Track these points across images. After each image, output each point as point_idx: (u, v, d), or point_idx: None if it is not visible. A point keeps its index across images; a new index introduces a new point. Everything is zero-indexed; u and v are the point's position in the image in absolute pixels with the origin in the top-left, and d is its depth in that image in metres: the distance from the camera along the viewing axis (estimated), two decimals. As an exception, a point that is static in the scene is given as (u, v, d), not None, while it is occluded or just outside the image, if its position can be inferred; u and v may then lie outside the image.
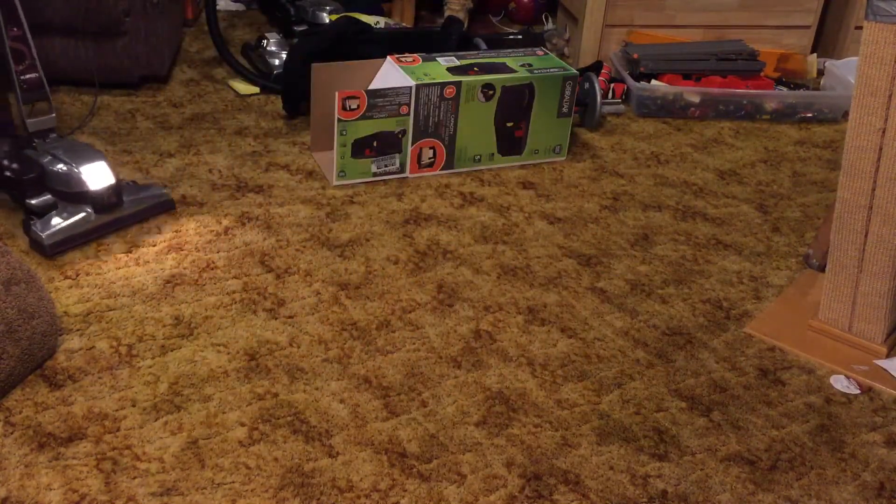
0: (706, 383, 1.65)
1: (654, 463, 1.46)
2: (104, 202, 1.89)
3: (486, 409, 1.54)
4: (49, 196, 1.88)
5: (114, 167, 1.94)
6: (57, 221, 1.85)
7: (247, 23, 3.32)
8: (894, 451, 1.52)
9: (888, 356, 1.75)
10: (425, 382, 1.59)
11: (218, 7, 3.05)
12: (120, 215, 1.94)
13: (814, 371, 1.71)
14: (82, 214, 1.88)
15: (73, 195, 1.88)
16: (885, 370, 1.71)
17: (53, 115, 1.97)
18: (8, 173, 1.88)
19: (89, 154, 1.92)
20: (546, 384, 1.62)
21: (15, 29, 1.87)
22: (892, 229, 1.65)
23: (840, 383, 1.68)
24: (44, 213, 1.86)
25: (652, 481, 1.42)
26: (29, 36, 1.89)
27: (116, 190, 1.91)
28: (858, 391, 1.66)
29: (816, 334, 1.81)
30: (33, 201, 1.87)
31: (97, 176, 1.89)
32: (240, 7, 3.47)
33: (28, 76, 1.91)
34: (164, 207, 2.03)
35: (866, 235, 1.69)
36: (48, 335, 1.54)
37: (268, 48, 2.80)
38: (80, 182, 1.87)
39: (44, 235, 1.83)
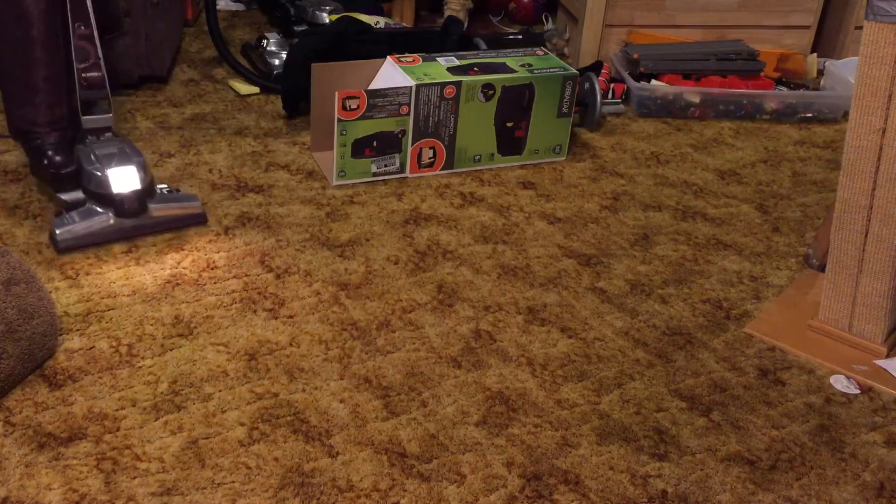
0: (706, 383, 1.65)
1: (654, 463, 1.46)
2: (126, 207, 1.87)
3: (486, 409, 1.54)
4: (80, 193, 1.90)
5: (146, 172, 1.93)
6: (75, 220, 1.86)
7: (247, 23, 3.32)
8: (894, 451, 1.52)
9: (888, 356, 1.75)
10: (425, 382, 1.59)
11: (218, 7, 3.05)
12: (142, 223, 1.91)
13: (814, 371, 1.71)
14: (102, 217, 1.87)
15: (99, 196, 1.88)
16: (885, 370, 1.71)
17: (110, 114, 1.97)
18: (48, 164, 1.90)
19: (124, 157, 1.91)
20: (546, 384, 1.62)
21: (83, 27, 1.87)
22: (892, 229, 1.65)
23: (840, 383, 1.68)
24: (70, 209, 1.88)
25: (652, 481, 1.42)
26: (96, 35, 1.89)
27: (140, 196, 1.89)
28: (858, 391, 1.66)
29: (816, 334, 1.81)
30: (63, 196, 1.89)
31: (123, 180, 1.88)
32: (240, 7, 3.47)
33: (90, 74, 1.91)
34: (194, 221, 1.98)
35: (866, 235, 1.69)
36: (48, 335, 1.54)
37: (268, 48, 2.80)
38: (105, 184, 1.87)
39: (58, 232, 1.84)
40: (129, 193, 1.88)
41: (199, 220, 1.99)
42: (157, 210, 1.93)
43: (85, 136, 1.95)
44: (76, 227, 1.86)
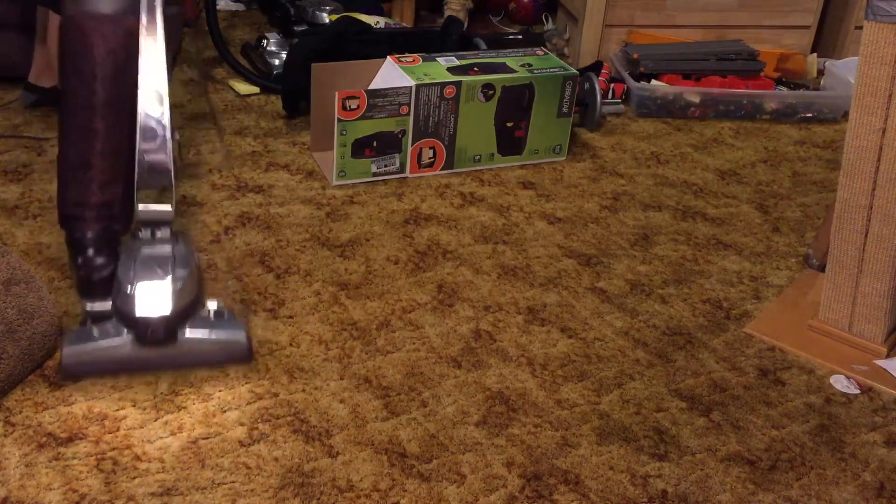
0: (706, 383, 1.65)
1: (654, 463, 1.46)
2: (147, 335, 1.50)
3: (486, 409, 1.54)
4: (109, 305, 1.56)
5: (188, 291, 1.54)
6: (88, 339, 1.52)
7: (247, 23, 3.32)
8: (894, 451, 1.52)
9: (888, 356, 1.75)
10: (425, 382, 1.59)
11: (218, 7, 3.05)
12: (168, 353, 1.53)
13: (814, 371, 1.71)
14: (119, 341, 1.51)
15: (122, 315, 1.52)
16: (885, 370, 1.71)
17: (170, 207, 1.59)
18: (81, 263, 1.64)
19: (164, 268, 1.53)
20: (546, 384, 1.62)
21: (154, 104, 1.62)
22: (892, 229, 1.65)
23: (840, 383, 1.68)
24: (96, 321, 1.55)
25: (652, 481, 1.42)
26: (168, 114, 1.59)
27: (170, 324, 1.50)
28: (858, 391, 1.66)
29: (816, 334, 1.81)
30: (88, 306, 1.62)
31: (150, 300, 1.50)
32: (240, 7, 3.47)
33: (154, 157, 1.58)
34: (235, 358, 1.59)
35: (866, 235, 1.69)
36: (48, 335, 1.54)
37: (268, 48, 2.80)
38: (129, 302, 1.50)
39: (64, 352, 1.51)
40: (153, 319, 1.50)
41: (240, 358, 1.58)
42: (190, 340, 1.54)
43: (138, 229, 1.61)
44: (86, 349, 1.51)
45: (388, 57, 2.33)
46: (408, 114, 2.21)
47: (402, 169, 2.29)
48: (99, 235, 1.66)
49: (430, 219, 2.12)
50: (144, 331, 1.50)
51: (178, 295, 1.51)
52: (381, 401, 1.54)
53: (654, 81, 2.82)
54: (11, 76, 2.52)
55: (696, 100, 2.78)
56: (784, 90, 2.88)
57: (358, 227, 2.05)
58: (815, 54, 3.15)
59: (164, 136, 1.58)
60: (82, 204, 1.66)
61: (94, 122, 1.62)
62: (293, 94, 2.49)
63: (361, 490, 1.36)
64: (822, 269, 1.97)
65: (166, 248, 1.58)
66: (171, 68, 2.80)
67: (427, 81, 2.21)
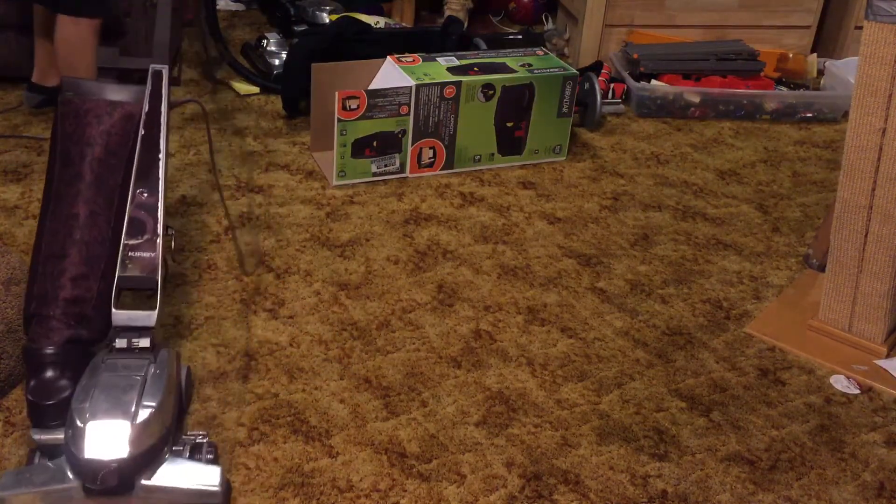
0: (706, 383, 1.65)
1: (654, 463, 1.46)
2: (96, 482, 1.22)
3: (486, 409, 1.54)
4: (61, 436, 1.28)
5: (154, 426, 1.25)
6: (24, 482, 1.26)
7: (247, 23, 3.32)
8: (894, 451, 1.52)
9: (888, 356, 1.75)
10: (425, 382, 1.59)
11: (218, 7, 3.05)
12: None
13: (814, 371, 1.71)
14: (62, 486, 1.24)
15: (69, 454, 1.25)
16: (885, 370, 1.71)
17: (153, 313, 1.35)
18: (35, 385, 1.36)
19: (130, 398, 1.25)
20: (546, 384, 1.62)
21: (146, 194, 1.40)
22: (892, 229, 1.65)
23: (840, 383, 1.68)
24: (45, 454, 1.32)
25: (652, 481, 1.42)
26: (161, 208, 1.39)
27: (125, 470, 1.23)
28: (858, 391, 1.66)
29: (816, 334, 1.81)
30: (36, 436, 1.33)
31: (103, 442, 1.22)
32: (240, 7, 3.47)
33: (140, 254, 1.36)
34: (205, 499, 1.30)
35: (866, 235, 1.69)
36: (48, 335, 1.53)
37: (268, 48, 2.80)
38: (78, 440, 1.23)
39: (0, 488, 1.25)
40: (102, 463, 1.21)
41: (211, 498, 1.30)
42: (149, 488, 1.26)
43: (113, 338, 1.35)
44: (21, 495, 1.25)
45: (388, 57, 2.33)
46: (408, 114, 2.21)
47: (402, 169, 2.29)
48: (61, 349, 1.39)
49: (430, 219, 2.12)
50: (93, 477, 1.22)
51: (139, 434, 1.24)
52: (381, 401, 1.54)
53: (654, 81, 2.82)
54: (12, 76, 2.52)
55: (696, 100, 2.78)
56: (784, 90, 2.88)
57: (358, 227, 2.05)
58: (815, 54, 3.15)
59: (155, 231, 1.38)
60: (48, 300, 1.40)
61: (75, 206, 1.42)
62: (293, 94, 2.50)
63: (361, 490, 1.36)
64: (822, 269, 1.97)
65: (137, 371, 1.30)
66: (171, 67, 2.80)
67: (427, 81, 2.21)
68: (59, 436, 1.29)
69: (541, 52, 2.47)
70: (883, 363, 1.73)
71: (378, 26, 2.84)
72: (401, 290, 1.84)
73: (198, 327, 1.68)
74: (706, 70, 2.86)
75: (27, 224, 1.96)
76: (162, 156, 1.42)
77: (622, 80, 2.84)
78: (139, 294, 1.37)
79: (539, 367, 1.66)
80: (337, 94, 2.11)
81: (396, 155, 2.26)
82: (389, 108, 2.18)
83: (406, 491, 1.37)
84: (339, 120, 2.14)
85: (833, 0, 3.20)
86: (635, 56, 2.86)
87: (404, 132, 2.24)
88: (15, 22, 2.44)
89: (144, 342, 1.34)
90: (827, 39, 3.26)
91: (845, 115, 2.79)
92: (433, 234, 2.05)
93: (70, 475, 1.24)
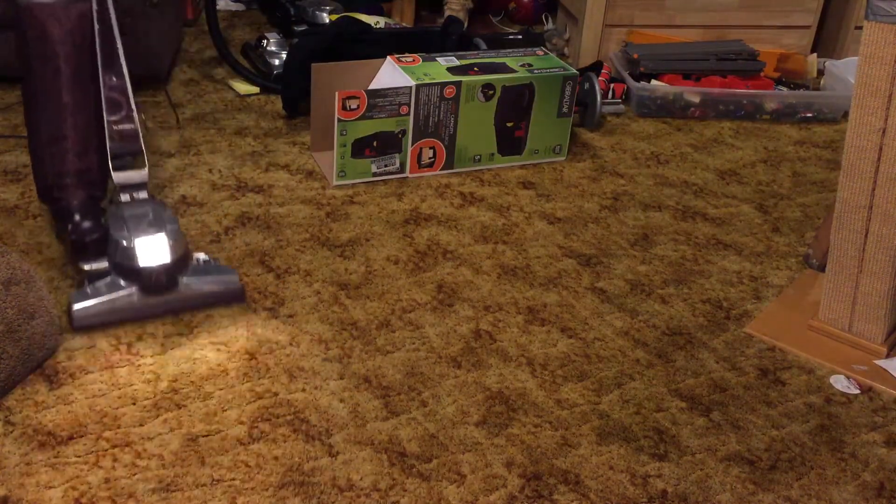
0: (706, 383, 1.65)
1: (654, 463, 1.46)
2: (152, 283, 1.66)
3: (486, 409, 1.54)
4: (105, 263, 1.69)
5: (180, 242, 1.70)
6: (96, 294, 1.65)
7: (247, 23, 3.32)
8: (894, 451, 1.52)
9: (888, 356, 1.75)
10: (425, 382, 1.59)
11: (218, 7, 3.05)
12: (170, 300, 1.69)
13: (814, 371, 1.71)
14: (125, 292, 1.66)
15: (123, 269, 1.67)
16: (885, 370, 1.71)
17: (145, 170, 1.75)
18: (72, 229, 1.74)
19: (156, 223, 1.69)
20: (546, 384, 1.62)
21: (114, 79, 1.72)
22: (892, 229, 1.65)
23: (840, 383, 1.68)
24: (93, 280, 1.68)
25: (652, 481, 1.42)
26: (129, 87, 1.73)
27: (170, 270, 1.67)
28: (858, 391, 1.66)
29: (816, 334, 1.81)
30: (86, 266, 1.70)
31: (151, 252, 1.66)
32: (240, 7, 3.47)
33: (122, 127, 1.73)
34: (231, 298, 1.75)
35: (866, 235, 1.69)
36: (48, 335, 1.54)
37: (268, 48, 2.80)
38: (130, 256, 1.65)
39: (75, 308, 1.64)
40: (156, 267, 1.66)
41: (235, 298, 1.75)
42: (189, 286, 1.71)
43: (117, 195, 1.75)
44: (96, 303, 1.64)
45: (388, 57, 2.33)
46: (408, 114, 2.21)
47: (402, 169, 2.29)
48: (83, 202, 1.78)
49: (430, 219, 2.12)
50: (149, 280, 1.65)
51: (174, 243, 1.67)
52: (380, 400, 1.54)
53: (654, 81, 2.82)
54: (12, 76, 2.52)
55: (696, 100, 2.78)
56: (784, 90, 2.88)
57: (358, 227, 2.05)
58: (815, 54, 3.15)
59: (130, 107, 1.73)
60: (62, 174, 1.76)
61: (62, 97, 1.72)
62: (293, 94, 2.50)
63: (361, 489, 1.36)
64: (822, 269, 1.97)
65: (155, 205, 1.73)
66: (170, 67, 2.80)
67: (427, 81, 2.21)
68: (104, 264, 1.69)
69: (541, 52, 2.47)
70: (883, 363, 1.73)
71: (378, 26, 2.84)
72: (401, 290, 1.84)
73: (198, 326, 1.68)
74: (706, 70, 2.86)
75: (27, 224, 1.96)
76: (119, 44, 1.71)
77: (622, 80, 2.84)
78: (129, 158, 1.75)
79: (539, 367, 1.66)
80: (337, 94, 2.11)
81: (396, 155, 2.26)
82: (389, 108, 2.18)
83: (406, 490, 1.37)
84: (339, 120, 2.14)
85: (833, 0, 3.20)
86: (635, 56, 2.86)
87: (404, 132, 2.24)
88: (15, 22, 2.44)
89: (143, 194, 1.75)
90: (827, 39, 3.26)
91: (845, 115, 2.79)
92: (433, 234, 2.05)
93: (124, 284, 1.66)
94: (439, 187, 2.27)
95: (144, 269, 1.65)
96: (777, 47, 3.08)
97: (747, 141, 2.67)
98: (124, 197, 1.73)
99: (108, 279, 1.67)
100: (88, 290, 1.65)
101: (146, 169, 1.75)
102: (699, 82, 2.83)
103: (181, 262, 1.70)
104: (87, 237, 1.73)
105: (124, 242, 1.65)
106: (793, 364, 1.73)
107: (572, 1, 3.16)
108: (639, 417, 1.55)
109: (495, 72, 2.31)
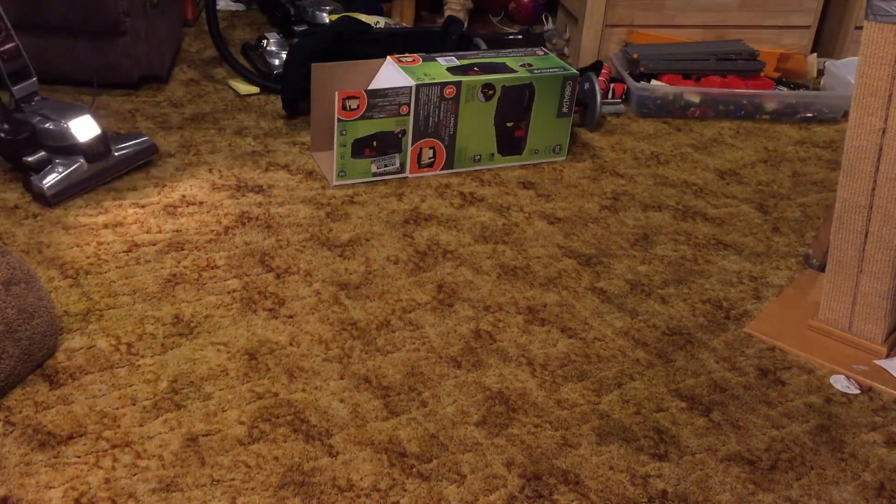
0: (706, 383, 1.65)
1: (654, 463, 1.46)
2: (94, 152, 2.06)
3: (486, 409, 1.54)
4: (43, 153, 2.03)
5: (99, 119, 2.09)
6: (54, 174, 2.02)
7: (247, 23, 3.32)
8: (894, 451, 1.52)
9: (888, 356, 1.75)
10: (425, 382, 1.59)
11: (218, 7, 3.05)
12: (110, 163, 2.10)
13: (814, 371, 1.71)
14: (76, 165, 2.04)
15: (65, 148, 2.03)
16: (885, 370, 1.71)
17: (34, 79, 2.09)
18: (2, 134, 2.04)
19: (74, 110, 2.07)
20: (546, 384, 1.62)
21: None
22: (892, 229, 1.65)
23: (840, 383, 1.68)
24: (41, 168, 2.02)
25: (652, 481, 1.42)
26: (3, 13, 2.02)
27: (104, 140, 2.08)
28: (858, 391, 1.66)
29: (816, 334, 1.81)
30: (30, 158, 2.02)
31: (84, 128, 2.05)
32: (240, 7, 3.47)
33: (5, 47, 2.02)
34: (149, 152, 2.21)
35: (866, 235, 1.69)
36: (48, 335, 1.54)
37: (268, 48, 2.80)
38: (70, 135, 2.03)
39: (45, 187, 1.99)
40: (93, 139, 2.05)
41: (152, 152, 2.22)
42: (117, 151, 2.12)
43: (19, 104, 2.07)
44: (58, 178, 2.01)
45: (388, 57, 2.33)
46: (408, 114, 2.21)
47: (402, 169, 2.29)
48: (6, 111, 2.07)
49: (430, 219, 2.12)
50: (90, 150, 2.05)
51: (98, 122, 2.07)
52: (381, 400, 1.54)
53: (654, 81, 2.82)
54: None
55: (696, 100, 2.78)
56: (784, 90, 2.88)
57: (358, 227, 2.05)
58: (815, 54, 3.15)
59: (8, 29, 2.03)
60: None
61: None
62: (293, 95, 2.49)
63: (361, 489, 1.36)
64: (822, 269, 1.97)
65: (55, 102, 2.11)
66: (170, 68, 2.80)
67: (427, 81, 2.21)
68: (42, 154, 2.02)
69: (541, 52, 2.47)
70: (883, 363, 1.73)
71: (378, 26, 2.84)
72: (401, 290, 1.84)
73: (198, 326, 1.68)
74: (706, 70, 2.86)
75: (27, 224, 1.96)
76: None
77: (622, 80, 2.84)
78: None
79: (539, 367, 1.66)
80: (337, 94, 2.11)
81: (396, 155, 2.26)
82: (389, 108, 2.18)
83: (406, 490, 1.37)
84: (339, 120, 2.14)
85: (833, 0, 3.20)
86: (635, 56, 2.86)
87: (404, 132, 2.24)
88: (15, 22, 2.44)
89: (38, 97, 2.09)
90: (827, 39, 3.26)
91: (845, 115, 2.79)
92: (433, 234, 2.05)
93: (71, 159, 2.04)
94: (439, 187, 2.27)
95: (84, 142, 2.04)
96: (777, 47, 3.08)
97: (747, 141, 2.67)
98: (26, 105, 2.06)
99: (55, 161, 2.03)
100: (47, 174, 2.01)
101: (34, 79, 2.09)
102: (699, 82, 2.83)
103: (104, 133, 2.10)
104: (18, 136, 2.02)
105: (59, 127, 2.02)
106: (793, 364, 1.73)
107: (572, 1, 3.16)
108: (639, 417, 1.55)
109: (495, 72, 2.31)
